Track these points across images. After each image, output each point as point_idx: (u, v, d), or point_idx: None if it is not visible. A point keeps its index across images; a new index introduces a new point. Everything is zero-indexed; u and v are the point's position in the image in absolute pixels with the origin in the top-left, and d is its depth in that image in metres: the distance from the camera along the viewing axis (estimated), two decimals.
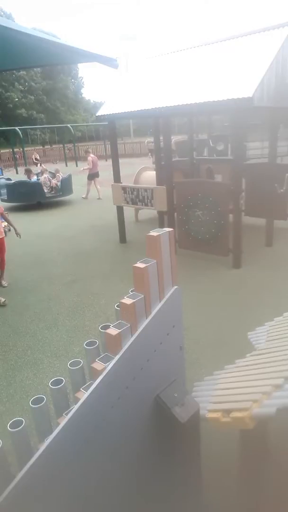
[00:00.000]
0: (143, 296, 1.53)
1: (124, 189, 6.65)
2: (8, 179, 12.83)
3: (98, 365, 1.43)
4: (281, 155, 8.52)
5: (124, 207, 6.96)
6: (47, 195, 11.39)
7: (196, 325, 3.89)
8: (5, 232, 5.27)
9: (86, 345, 1.61)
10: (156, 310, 1.59)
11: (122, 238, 7.15)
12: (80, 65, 48.63)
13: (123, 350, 1.46)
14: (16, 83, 41.11)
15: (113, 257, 6.41)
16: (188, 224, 5.73)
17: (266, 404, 1.43)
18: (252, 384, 1.66)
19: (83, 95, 57.26)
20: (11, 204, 11.23)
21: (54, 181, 11.67)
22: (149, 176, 7.97)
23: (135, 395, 1.54)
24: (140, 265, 1.54)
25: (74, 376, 1.55)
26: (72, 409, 1.31)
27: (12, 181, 11.87)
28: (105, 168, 13.96)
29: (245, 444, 1.85)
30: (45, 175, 12.01)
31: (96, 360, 1.46)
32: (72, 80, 52.39)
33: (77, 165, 16.93)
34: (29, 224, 9.21)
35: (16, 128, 23.51)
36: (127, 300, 1.51)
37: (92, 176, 12.23)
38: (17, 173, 20.98)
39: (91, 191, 12.31)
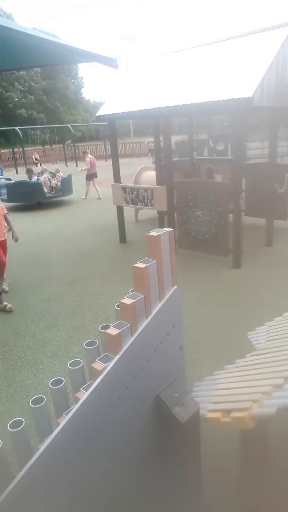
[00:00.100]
0: (143, 296, 1.53)
1: (124, 189, 6.65)
2: (8, 179, 12.84)
3: (98, 365, 1.43)
4: (281, 155, 8.52)
5: (124, 207, 6.96)
6: (47, 195, 11.39)
7: (196, 325, 3.89)
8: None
9: (86, 345, 1.62)
10: (156, 310, 1.59)
11: (122, 238, 7.15)
12: (80, 65, 48.69)
13: (123, 350, 1.45)
14: (16, 83, 41.13)
15: (113, 257, 6.41)
16: (188, 224, 5.73)
17: (266, 404, 1.43)
18: (252, 384, 1.66)
19: (83, 95, 57.38)
20: (11, 204, 11.22)
21: (54, 181, 11.68)
22: (149, 176, 7.97)
23: (135, 395, 1.54)
24: (140, 265, 1.54)
25: (74, 376, 1.55)
26: (72, 409, 1.31)
27: (12, 181, 11.87)
28: (105, 168, 13.96)
29: (245, 444, 1.85)
30: (45, 175, 12.01)
31: (96, 360, 1.46)
32: (72, 80, 52.42)
33: (77, 165, 16.97)
34: (29, 224, 9.21)
35: (16, 128, 23.53)
36: (127, 300, 1.51)
37: (90, 176, 12.25)
38: (17, 173, 20.99)
39: (90, 191, 12.32)
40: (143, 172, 8.43)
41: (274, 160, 6.02)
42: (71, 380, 1.57)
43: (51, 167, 15.90)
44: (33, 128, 33.55)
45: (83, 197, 12.31)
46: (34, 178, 12.09)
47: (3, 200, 11.18)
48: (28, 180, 11.85)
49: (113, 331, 1.46)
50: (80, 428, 1.32)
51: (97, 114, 6.69)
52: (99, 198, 11.94)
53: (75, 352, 3.68)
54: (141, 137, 30.92)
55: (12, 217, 5.80)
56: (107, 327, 1.53)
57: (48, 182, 11.65)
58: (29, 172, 12.34)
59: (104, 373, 1.39)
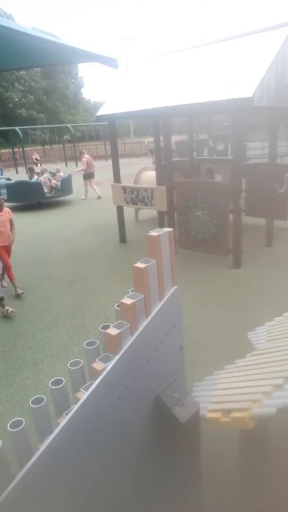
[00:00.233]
0: (143, 296, 1.53)
1: (124, 189, 6.65)
2: (8, 179, 12.84)
3: (98, 365, 1.43)
4: (281, 155, 8.52)
5: (124, 207, 6.96)
6: (47, 195, 11.39)
7: (196, 325, 3.89)
8: None
9: (86, 345, 1.62)
10: (156, 310, 1.59)
11: (122, 238, 7.15)
12: (80, 65, 48.69)
13: (123, 350, 1.46)
14: (16, 83, 41.11)
15: (113, 257, 6.41)
16: (188, 224, 5.73)
17: (266, 404, 1.43)
18: (252, 384, 1.66)
19: (83, 95, 57.35)
20: (11, 204, 11.22)
21: (54, 181, 11.68)
22: (149, 176, 7.97)
23: (135, 395, 1.54)
24: (140, 265, 1.54)
25: (74, 376, 1.55)
26: (72, 409, 1.31)
27: (12, 181, 11.87)
28: (105, 168, 13.95)
29: (245, 444, 1.85)
30: (45, 175, 12.02)
31: (96, 360, 1.46)
32: (72, 80, 52.40)
33: (77, 165, 17.01)
34: (29, 224, 9.21)
35: (16, 128, 23.51)
36: (127, 300, 1.51)
37: (88, 176, 12.29)
38: (17, 173, 21.00)
39: (89, 191, 12.36)
40: (143, 172, 8.43)
41: (274, 160, 6.02)
42: (71, 380, 1.57)
43: (51, 167, 15.90)
44: (33, 128, 33.53)
45: (83, 197, 12.33)
46: (35, 178, 12.11)
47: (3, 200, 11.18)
48: (28, 180, 11.85)
49: (113, 331, 1.46)
50: (80, 428, 1.32)
51: (97, 114, 6.69)
52: (98, 198, 11.96)
53: (75, 352, 3.68)
54: (141, 137, 30.91)
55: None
56: (107, 327, 1.53)
57: (48, 182, 11.66)
58: (31, 171, 12.38)
59: (104, 373, 1.39)
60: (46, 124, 39.85)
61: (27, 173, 14.11)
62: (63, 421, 1.28)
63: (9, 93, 40.37)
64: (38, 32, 3.27)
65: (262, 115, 6.54)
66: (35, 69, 39.59)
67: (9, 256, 5.10)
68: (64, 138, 27.48)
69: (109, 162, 7.95)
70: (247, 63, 4.81)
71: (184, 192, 5.71)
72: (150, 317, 1.57)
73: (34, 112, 43.07)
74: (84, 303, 4.76)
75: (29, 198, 11.16)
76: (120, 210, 7.01)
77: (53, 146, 31.87)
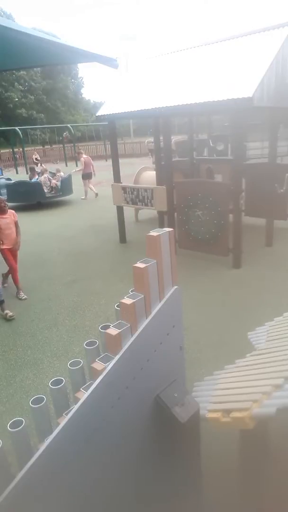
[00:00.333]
0: (143, 296, 1.53)
1: (124, 189, 6.65)
2: (8, 179, 12.84)
3: (98, 365, 1.43)
4: (281, 155, 8.52)
5: (124, 207, 6.96)
6: (47, 195, 11.39)
7: (196, 325, 3.89)
8: None
9: (86, 345, 1.62)
10: (156, 310, 1.59)
11: (122, 238, 7.15)
12: (80, 65, 48.67)
13: (123, 350, 1.46)
14: (16, 83, 41.11)
15: (113, 257, 6.41)
16: (188, 224, 5.73)
17: (266, 404, 1.44)
18: (252, 384, 1.66)
19: (83, 95, 57.33)
20: (11, 204, 11.21)
21: (54, 181, 11.68)
22: (149, 176, 7.98)
23: (135, 395, 1.54)
24: (140, 265, 1.54)
25: (74, 376, 1.55)
26: (72, 409, 1.31)
27: (12, 181, 11.87)
28: (105, 168, 13.95)
29: (245, 444, 1.85)
30: (45, 175, 12.02)
31: (96, 360, 1.46)
32: (72, 80, 52.39)
33: (77, 165, 17.02)
34: (29, 224, 9.21)
35: (16, 128, 23.52)
36: (127, 300, 1.51)
37: (85, 176, 12.36)
38: (17, 173, 21.00)
39: (89, 191, 12.40)
40: (143, 172, 8.43)
41: (274, 160, 6.02)
42: (71, 380, 1.57)
43: (51, 167, 15.91)
44: (33, 128, 33.54)
45: (83, 197, 12.35)
46: (35, 178, 12.13)
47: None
48: (28, 180, 11.85)
49: (113, 331, 1.46)
50: (80, 428, 1.32)
51: (97, 114, 6.69)
52: (96, 196, 12.13)
53: (75, 352, 3.68)
54: (141, 137, 30.91)
55: None
56: (107, 327, 1.53)
57: (48, 182, 11.66)
58: (32, 171, 12.43)
59: (104, 373, 1.39)
60: (46, 124, 39.85)
61: (27, 173, 14.12)
62: (63, 421, 1.28)
63: (9, 93, 40.36)
64: (38, 32, 3.28)
65: (262, 115, 6.55)
66: (35, 69, 39.59)
67: (15, 259, 5.04)
68: (63, 135, 27.46)
69: (109, 162, 7.95)
70: (247, 63, 4.81)
71: (184, 192, 5.71)
72: (150, 317, 1.57)
73: (34, 112, 43.07)
74: (84, 303, 4.76)
75: (29, 198, 11.16)
76: (120, 210, 7.02)
77: (53, 146, 31.87)
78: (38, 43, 3.20)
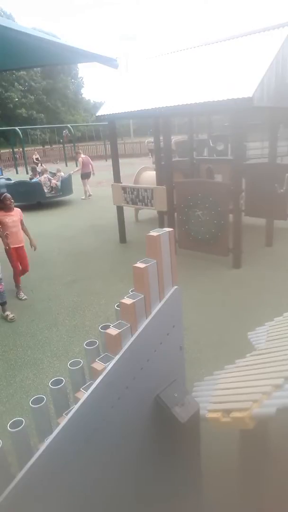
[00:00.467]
0: (143, 296, 1.53)
1: (124, 189, 6.65)
2: (8, 179, 12.83)
3: (98, 365, 1.43)
4: (281, 155, 8.52)
5: (124, 207, 6.96)
6: (47, 195, 11.39)
7: (196, 325, 3.89)
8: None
9: (86, 345, 1.62)
10: (156, 310, 1.59)
11: (122, 238, 7.15)
12: (80, 65, 48.66)
13: (123, 350, 1.45)
14: (16, 83, 41.11)
15: (113, 257, 6.41)
16: (188, 224, 5.73)
17: (266, 404, 1.43)
18: (252, 384, 1.66)
19: (83, 95, 57.32)
20: None
21: (54, 181, 11.69)
22: (149, 176, 7.98)
23: (135, 395, 1.54)
24: (140, 265, 1.54)
25: (74, 376, 1.55)
26: (72, 409, 1.31)
27: (12, 181, 11.86)
28: (105, 168, 13.95)
29: (245, 444, 1.85)
30: (45, 175, 12.03)
31: (96, 360, 1.46)
32: (72, 80, 52.39)
33: (77, 165, 17.04)
34: (29, 224, 9.11)
35: (16, 128, 23.52)
36: (127, 300, 1.51)
37: (84, 176, 12.41)
38: (17, 173, 21.00)
39: (90, 190, 12.43)
40: (143, 172, 8.43)
41: (274, 160, 6.02)
42: (71, 380, 1.57)
43: (51, 167, 15.91)
44: (33, 128, 33.54)
45: (83, 197, 12.37)
46: (35, 178, 12.15)
47: None
48: (28, 180, 11.85)
49: (113, 331, 1.46)
50: (80, 428, 1.32)
51: (97, 114, 6.69)
52: (89, 196, 12.28)
53: (75, 352, 3.68)
54: (141, 137, 30.92)
55: None
56: (107, 327, 1.53)
57: (48, 182, 11.66)
58: (34, 171, 12.48)
59: (104, 373, 1.39)
60: (46, 124, 39.86)
61: (27, 173, 14.12)
62: (63, 421, 1.28)
63: (9, 93, 40.36)
64: (38, 32, 3.28)
65: (262, 115, 6.55)
66: (35, 69, 39.59)
67: (25, 259, 4.98)
68: (63, 133, 27.44)
69: (109, 162, 7.95)
70: (247, 63, 4.81)
71: (184, 192, 5.71)
72: (150, 317, 1.57)
73: (34, 112, 43.07)
74: (84, 303, 4.76)
75: (29, 198, 11.15)
76: (120, 210, 7.02)
77: (53, 146, 31.86)
78: (38, 43, 3.20)
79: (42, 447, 1.23)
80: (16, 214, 4.88)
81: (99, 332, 1.66)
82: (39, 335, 4.09)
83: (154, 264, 1.56)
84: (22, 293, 5.02)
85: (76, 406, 1.31)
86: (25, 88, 42.91)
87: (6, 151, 26.59)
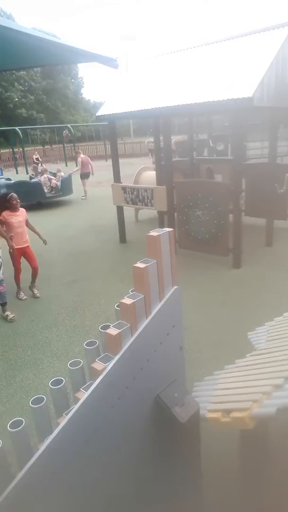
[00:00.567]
0: (143, 296, 1.53)
1: (124, 189, 6.65)
2: (8, 179, 12.83)
3: (98, 365, 1.43)
4: (281, 155, 8.53)
5: (124, 207, 6.96)
6: (47, 195, 11.39)
7: (196, 325, 3.89)
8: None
9: (86, 345, 1.62)
10: (156, 310, 1.59)
11: (122, 238, 7.15)
12: (80, 65, 48.64)
13: (123, 350, 1.45)
14: (16, 83, 41.09)
15: (113, 257, 6.41)
16: (188, 224, 5.73)
17: (266, 404, 1.43)
18: (252, 384, 1.66)
19: (83, 95, 57.28)
20: None
21: (54, 181, 11.69)
22: (149, 176, 7.98)
23: (135, 395, 1.54)
24: (140, 265, 1.54)
25: (74, 376, 1.55)
26: (72, 409, 1.31)
27: (12, 181, 11.86)
28: (105, 168, 13.94)
29: (245, 444, 1.85)
30: (45, 175, 12.03)
31: (96, 360, 1.46)
32: (72, 80, 52.37)
33: (76, 165, 17.06)
34: None
35: (16, 128, 23.51)
36: (127, 300, 1.51)
37: (84, 176, 12.46)
38: (17, 173, 20.99)
39: (88, 190, 12.48)
40: (143, 172, 8.43)
41: (274, 160, 6.03)
42: (71, 380, 1.57)
43: (52, 167, 15.90)
44: (33, 128, 33.53)
45: (83, 197, 12.39)
46: (35, 178, 12.16)
47: None
48: (28, 180, 11.85)
49: (113, 331, 1.46)
50: (80, 428, 1.32)
51: (97, 114, 6.69)
52: (83, 196, 12.33)
53: (75, 352, 3.68)
54: (141, 137, 30.91)
55: None
56: (107, 327, 1.53)
57: (48, 182, 11.66)
58: (35, 170, 12.49)
59: (104, 373, 1.39)
60: (46, 124, 39.85)
61: (27, 173, 14.12)
62: (63, 421, 1.28)
63: (9, 93, 40.33)
64: (38, 32, 3.28)
65: (262, 115, 6.55)
66: (35, 69, 39.59)
67: (32, 259, 4.96)
68: (63, 133, 27.44)
69: (109, 162, 7.95)
70: (247, 63, 4.81)
71: (184, 192, 5.71)
72: (150, 317, 1.57)
73: (34, 112, 43.05)
74: (84, 303, 4.76)
75: (29, 198, 11.13)
76: (120, 210, 7.02)
77: (53, 146, 31.86)
78: (38, 43, 3.20)
79: (42, 447, 1.23)
80: (21, 214, 4.87)
81: (99, 332, 1.66)
82: (39, 335, 4.09)
83: (154, 264, 1.56)
84: (22, 293, 5.02)
85: (76, 406, 1.31)
86: (25, 88, 42.89)
87: (6, 151, 26.58)
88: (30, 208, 10.97)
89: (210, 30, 6.00)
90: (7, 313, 4.46)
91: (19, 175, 19.10)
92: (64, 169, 14.95)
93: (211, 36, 5.78)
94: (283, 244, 6.21)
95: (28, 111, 42.24)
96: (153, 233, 1.58)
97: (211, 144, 8.78)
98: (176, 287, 1.70)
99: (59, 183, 11.58)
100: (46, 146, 32.82)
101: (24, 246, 4.91)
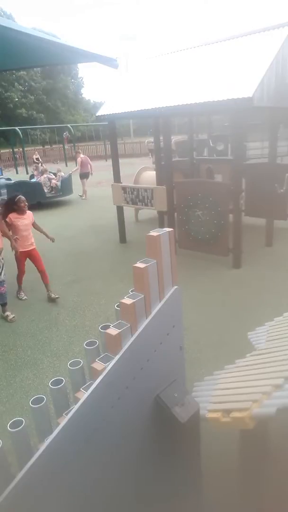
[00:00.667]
0: (143, 296, 1.53)
1: (124, 189, 6.65)
2: (8, 179, 12.83)
3: (98, 365, 1.43)
4: (281, 155, 8.53)
5: (124, 207, 6.96)
6: (47, 195, 11.40)
7: (196, 325, 3.89)
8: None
9: (86, 345, 1.62)
10: (156, 310, 1.59)
11: (122, 238, 7.15)
12: (80, 65, 48.62)
13: (123, 350, 1.45)
14: (16, 83, 41.09)
15: (113, 257, 6.41)
16: (188, 224, 5.73)
17: (266, 404, 1.43)
18: (252, 384, 1.66)
19: (83, 95, 57.28)
20: None
21: (54, 181, 11.69)
22: (149, 176, 7.98)
23: (135, 395, 1.54)
24: (140, 265, 1.54)
25: (74, 376, 1.55)
26: (72, 409, 1.31)
27: (12, 181, 11.86)
28: (105, 168, 13.93)
29: (245, 444, 1.85)
30: (45, 175, 12.03)
31: (96, 360, 1.46)
32: (72, 80, 52.36)
33: (76, 165, 17.08)
34: None
35: (16, 128, 23.50)
36: (127, 300, 1.51)
37: (83, 176, 12.49)
38: (17, 173, 20.99)
39: (87, 190, 12.50)
40: (143, 172, 8.43)
41: (274, 160, 6.03)
42: (71, 380, 1.57)
43: (52, 167, 15.90)
44: (33, 128, 33.52)
45: (83, 197, 12.40)
46: (35, 178, 12.18)
47: (3, 200, 11.17)
48: (28, 180, 11.86)
49: (113, 331, 1.46)
50: (80, 428, 1.32)
51: (97, 114, 6.69)
52: (81, 196, 12.40)
53: (75, 352, 3.68)
54: (141, 137, 30.91)
55: None
56: (107, 327, 1.53)
57: (48, 182, 11.66)
58: (38, 170, 12.59)
59: (104, 373, 1.39)
60: (46, 124, 39.83)
61: (27, 173, 14.12)
62: (63, 421, 1.28)
63: (9, 93, 40.32)
64: (38, 32, 3.28)
65: (262, 115, 6.55)
66: (35, 69, 39.58)
67: (38, 262, 4.89)
68: (64, 135, 27.45)
69: (109, 162, 7.95)
70: (247, 63, 4.81)
71: (184, 192, 5.71)
72: (150, 317, 1.57)
73: (34, 112, 43.04)
74: (84, 303, 4.76)
75: (29, 198, 11.10)
76: (120, 210, 7.01)
77: (53, 146, 31.85)
78: (38, 43, 3.20)
79: (42, 447, 1.23)
80: (28, 217, 4.82)
81: (99, 332, 1.66)
82: (39, 335, 4.09)
83: (154, 264, 1.56)
84: (22, 293, 5.02)
85: (76, 406, 1.31)
86: (25, 88, 42.88)
87: (6, 151, 26.57)
88: (30, 208, 10.93)
89: (210, 30, 6.00)
90: (7, 313, 4.46)
91: (19, 175, 19.10)
92: (64, 169, 14.96)
93: (211, 36, 5.78)
94: (283, 244, 6.21)
95: (28, 111, 42.23)
96: (153, 233, 1.58)
97: (211, 144, 8.78)
98: (176, 287, 1.70)
99: (59, 183, 11.58)
100: (46, 146, 32.80)
101: (30, 249, 4.86)
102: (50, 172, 12.96)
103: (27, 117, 41.37)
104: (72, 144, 26.40)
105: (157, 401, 1.63)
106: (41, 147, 32.22)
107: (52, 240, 5.11)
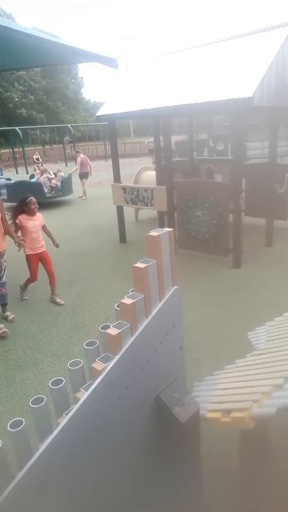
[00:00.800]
0: (143, 296, 1.53)
1: (124, 189, 6.65)
2: (8, 179, 12.84)
3: (98, 365, 1.43)
4: (281, 155, 8.53)
5: (124, 207, 6.96)
6: (47, 195, 11.39)
7: (196, 325, 3.89)
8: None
9: (86, 345, 1.61)
10: (156, 310, 1.59)
11: (122, 238, 7.15)
12: (80, 65, 48.61)
13: (123, 350, 1.45)
14: (16, 83, 41.08)
15: (113, 257, 6.41)
16: (188, 224, 5.73)
17: (266, 404, 1.44)
18: (252, 384, 1.66)
19: (83, 95, 57.28)
20: (12, 204, 11.22)
21: (54, 181, 11.69)
22: (149, 176, 7.98)
23: (135, 395, 1.54)
24: (140, 265, 1.54)
25: (74, 376, 1.55)
26: (72, 409, 1.31)
27: (12, 181, 11.87)
28: (105, 168, 13.93)
29: (245, 444, 1.85)
30: (45, 175, 12.03)
31: (96, 360, 1.46)
32: (72, 80, 52.36)
33: (76, 165, 17.09)
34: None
35: (16, 128, 23.52)
36: (127, 300, 1.51)
37: (82, 176, 12.52)
38: (17, 173, 20.99)
39: (87, 190, 12.52)
40: (143, 172, 8.43)
41: (274, 160, 6.03)
42: (71, 380, 1.57)
43: (52, 167, 15.90)
44: (33, 128, 33.52)
45: (83, 198, 12.41)
46: (35, 178, 12.19)
47: (3, 200, 11.17)
48: (28, 180, 11.86)
49: (113, 331, 1.46)
50: (80, 428, 1.32)
51: (97, 114, 6.69)
52: (81, 196, 12.41)
53: (75, 352, 3.68)
54: (141, 137, 30.92)
55: None
56: (107, 327, 1.53)
57: (48, 182, 11.66)
58: (38, 169, 12.58)
59: (104, 373, 1.39)
60: (46, 124, 39.84)
61: (27, 173, 14.11)
62: (63, 421, 1.28)
63: (9, 93, 40.33)
64: (38, 32, 3.28)
65: (262, 115, 6.55)
66: (35, 69, 39.57)
67: (48, 264, 4.81)
68: (65, 139, 27.46)
69: (109, 162, 7.95)
70: (247, 63, 4.81)
71: (184, 192, 5.71)
72: (150, 317, 1.57)
73: (34, 112, 43.04)
74: (84, 303, 4.76)
75: None
76: (120, 210, 7.01)
77: (53, 146, 31.86)
78: (38, 43, 3.20)
79: (42, 447, 1.23)
80: (38, 219, 4.69)
81: (99, 332, 1.66)
82: (39, 335, 4.09)
83: (154, 264, 1.56)
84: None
85: (76, 406, 1.31)
86: (25, 88, 42.87)
87: (6, 151, 26.57)
88: None
89: (210, 30, 6.00)
90: (8, 313, 4.45)
91: (19, 175, 19.10)
92: (64, 169, 14.97)
93: (211, 36, 5.77)
94: (283, 244, 6.21)
95: (28, 111, 42.23)
96: (153, 233, 1.58)
97: (211, 144, 8.78)
98: (176, 287, 1.70)
99: (59, 183, 11.58)
100: (46, 146, 32.81)
101: (40, 251, 4.76)
102: (50, 172, 12.98)
103: (27, 117, 41.37)
104: (72, 144, 26.41)
105: (157, 401, 1.63)
106: (41, 147, 32.23)
107: (57, 246, 5.03)
